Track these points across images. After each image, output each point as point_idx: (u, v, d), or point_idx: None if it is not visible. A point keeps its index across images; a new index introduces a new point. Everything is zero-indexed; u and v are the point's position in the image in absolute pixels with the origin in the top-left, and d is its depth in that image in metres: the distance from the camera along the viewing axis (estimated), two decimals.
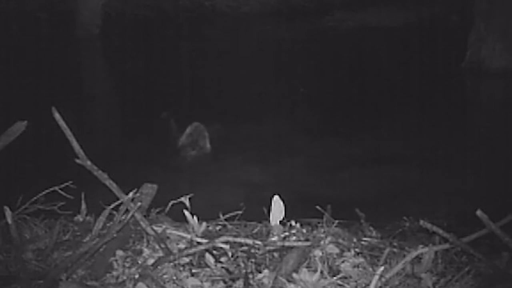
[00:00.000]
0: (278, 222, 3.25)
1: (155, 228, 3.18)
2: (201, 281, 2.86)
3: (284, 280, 2.81)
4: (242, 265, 2.94)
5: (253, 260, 2.98)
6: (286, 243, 3.05)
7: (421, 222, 3.08)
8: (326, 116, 7.79)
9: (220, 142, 6.76)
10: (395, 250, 3.16)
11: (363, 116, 7.72)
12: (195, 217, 3.18)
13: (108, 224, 3.26)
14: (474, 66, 9.55)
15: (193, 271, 2.93)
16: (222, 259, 2.97)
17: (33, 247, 3.19)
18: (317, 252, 3.04)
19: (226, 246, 2.95)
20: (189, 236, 3.13)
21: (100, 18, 12.39)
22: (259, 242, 3.00)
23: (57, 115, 3.15)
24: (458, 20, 11.80)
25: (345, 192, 5.37)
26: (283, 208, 3.25)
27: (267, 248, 3.04)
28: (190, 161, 6.23)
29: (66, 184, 3.47)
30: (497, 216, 3.04)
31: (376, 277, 2.75)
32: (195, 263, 2.98)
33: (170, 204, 3.42)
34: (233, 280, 2.87)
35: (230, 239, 3.01)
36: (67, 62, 10.54)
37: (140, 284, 2.82)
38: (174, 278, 2.88)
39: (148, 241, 3.18)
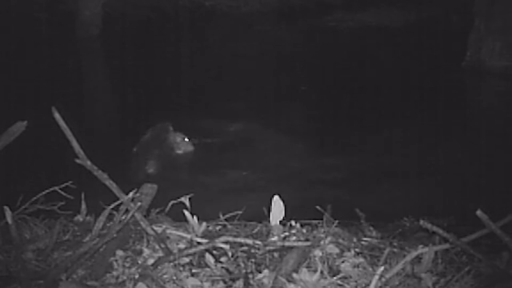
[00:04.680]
0: (278, 222, 3.25)
1: (155, 228, 3.17)
2: (201, 281, 2.85)
3: (284, 280, 2.81)
4: (242, 265, 2.93)
5: (253, 260, 2.98)
6: (286, 243, 3.05)
7: (421, 222, 3.08)
8: (326, 117, 7.78)
9: (219, 142, 6.76)
10: (395, 250, 3.16)
11: (363, 116, 7.72)
12: (195, 217, 3.18)
13: (108, 224, 3.26)
14: (474, 66, 9.55)
15: (193, 271, 2.93)
16: (222, 259, 2.96)
17: (33, 247, 3.19)
18: (317, 252, 3.04)
19: (226, 246, 2.94)
20: (189, 236, 3.12)
21: (100, 18, 12.38)
22: (259, 242, 3.00)
23: (57, 115, 3.14)
24: (458, 20, 11.79)
25: (345, 192, 5.37)
26: (283, 208, 3.25)
27: (267, 248, 3.03)
28: (146, 176, 6.07)
29: (66, 184, 3.47)
30: (497, 216, 3.04)
31: (376, 277, 2.75)
32: (195, 263, 2.98)
33: (170, 204, 3.41)
34: (233, 280, 2.86)
35: (230, 239, 3.00)
36: (67, 62, 10.54)
37: (140, 284, 2.82)
38: (174, 278, 2.88)
39: (148, 241, 3.18)
